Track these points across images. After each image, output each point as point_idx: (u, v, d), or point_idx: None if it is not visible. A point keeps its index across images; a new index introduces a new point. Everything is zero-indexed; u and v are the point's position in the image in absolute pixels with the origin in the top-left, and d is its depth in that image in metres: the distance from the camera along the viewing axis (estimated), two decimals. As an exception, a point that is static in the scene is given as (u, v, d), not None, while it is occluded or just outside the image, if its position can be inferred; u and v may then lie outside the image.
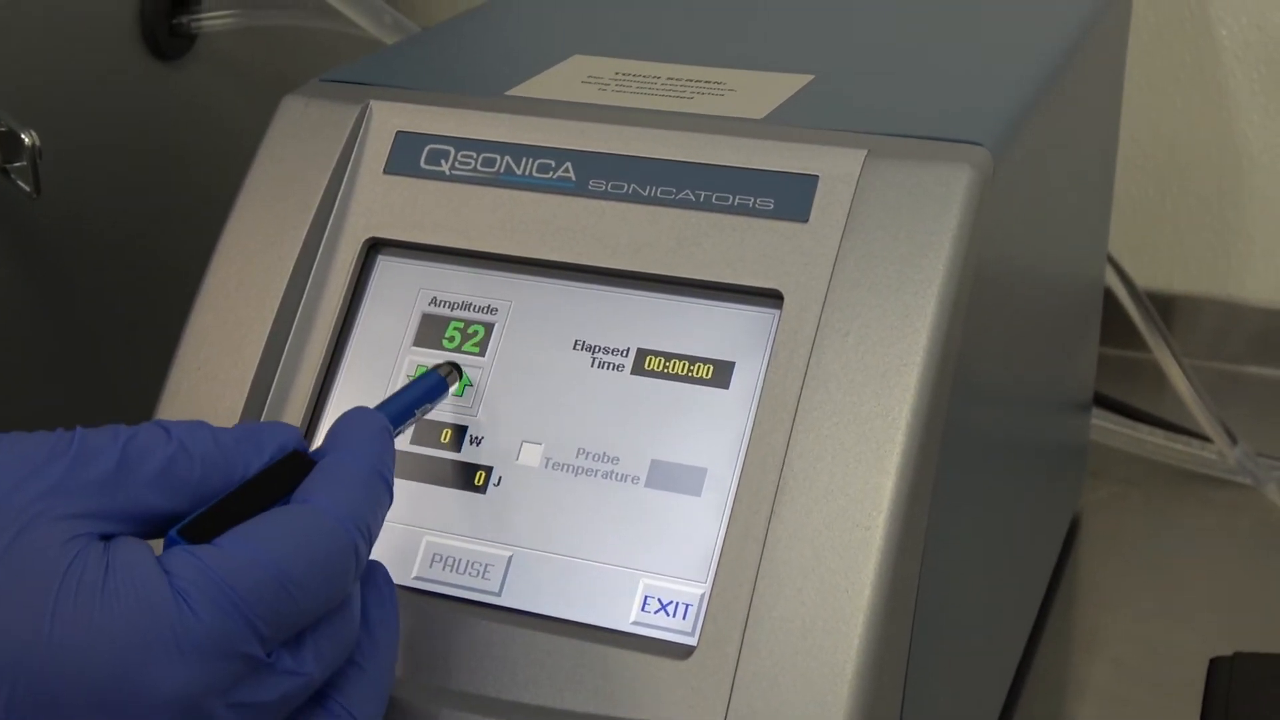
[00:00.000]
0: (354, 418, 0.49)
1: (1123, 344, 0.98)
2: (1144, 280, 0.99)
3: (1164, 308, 1.03)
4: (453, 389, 0.54)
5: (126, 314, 0.84)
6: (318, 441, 0.55)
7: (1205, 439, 0.92)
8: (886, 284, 0.51)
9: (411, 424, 0.53)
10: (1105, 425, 0.94)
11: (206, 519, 0.45)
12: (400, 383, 0.55)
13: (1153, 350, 0.91)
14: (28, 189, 0.74)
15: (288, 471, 0.47)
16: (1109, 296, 0.90)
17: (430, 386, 0.53)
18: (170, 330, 0.58)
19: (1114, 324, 0.93)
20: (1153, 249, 1.08)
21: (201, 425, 0.47)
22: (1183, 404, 0.91)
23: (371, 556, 0.53)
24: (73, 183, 0.79)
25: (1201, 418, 0.90)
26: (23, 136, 0.73)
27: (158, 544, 0.45)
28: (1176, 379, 0.90)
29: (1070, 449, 0.85)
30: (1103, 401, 0.95)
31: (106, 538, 0.44)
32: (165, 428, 0.46)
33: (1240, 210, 1.06)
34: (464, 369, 0.55)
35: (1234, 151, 1.04)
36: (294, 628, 0.44)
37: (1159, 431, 0.94)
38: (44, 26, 0.77)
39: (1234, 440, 0.91)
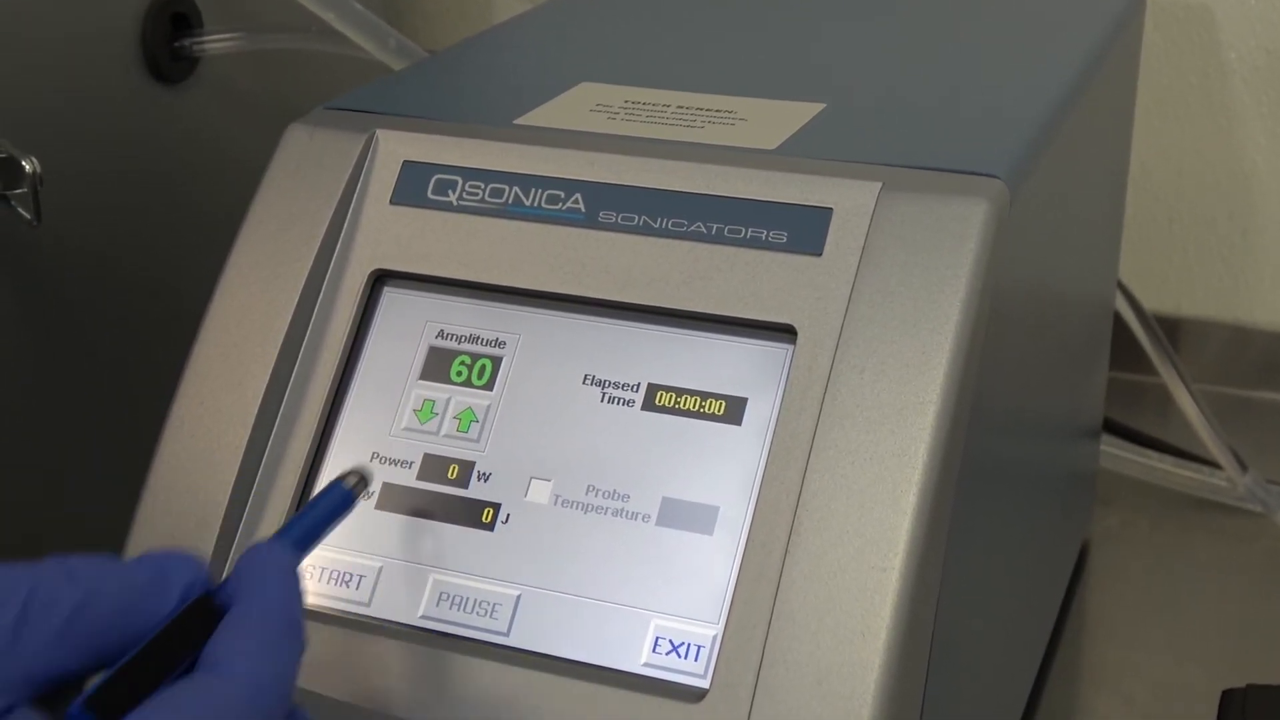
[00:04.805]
0: (258, 558, 0.46)
1: (1130, 368, 0.97)
2: (1152, 304, 0.99)
3: (1172, 332, 1.03)
4: (360, 500, 0.51)
5: (129, 341, 0.83)
6: (326, 464, 0.54)
7: (1214, 465, 0.91)
8: (902, 319, 0.50)
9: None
10: (1114, 452, 0.93)
11: (112, 687, 0.42)
12: (405, 417, 0.54)
13: (1161, 375, 0.90)
14: (28, 216, 0.73)
15: (196, 621, 0.44)
16: (1117, 321, 0.90)
17: (337, 503, 0.50)
18: (173, 359, 0.57)
19: (1122, 348, 0.92)
20: (1161, 273, 1.07)
21: (108, 565, 0.44)
22: (1191, 429, 0.90)
23: (379, 595, 0.53)
24: (74, 208, 0.78)
25: (1210, 444, 0.90)
26: (23, 164, 0.72)
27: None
28: (1185, 404, 0.89)
29: (1080, 476, 0.85)
30: (1111, 427, 0.94)
31: (4, 710, 0.41)
32: (70, 571, 0.43)
33: (1248, 234, 1.05)
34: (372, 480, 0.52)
35: (1242, 175, 1.04)
36: None
37: (1168, 458, 0.93)
38: (44, 51, 0.76)
39: (1244, 467, 0.90)
